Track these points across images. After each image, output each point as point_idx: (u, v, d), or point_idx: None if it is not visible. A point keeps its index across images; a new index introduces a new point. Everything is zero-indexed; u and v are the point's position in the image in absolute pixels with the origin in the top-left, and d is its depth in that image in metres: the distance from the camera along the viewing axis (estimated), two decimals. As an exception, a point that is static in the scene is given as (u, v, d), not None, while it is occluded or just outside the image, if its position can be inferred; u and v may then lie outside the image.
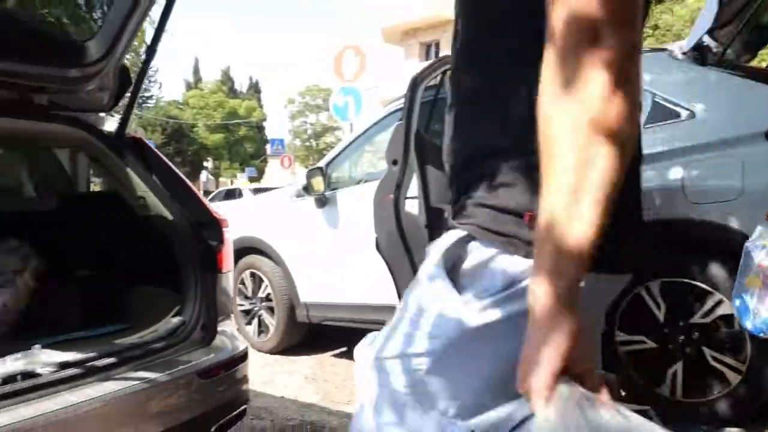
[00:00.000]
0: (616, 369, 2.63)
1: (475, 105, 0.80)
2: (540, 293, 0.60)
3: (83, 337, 1.95)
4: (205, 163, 40.69)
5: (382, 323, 3.61)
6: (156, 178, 2.14)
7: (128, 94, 2.24)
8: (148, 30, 2.26)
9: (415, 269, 2.53)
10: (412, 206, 2.53)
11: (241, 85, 47.03)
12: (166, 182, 2.13)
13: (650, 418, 0.60)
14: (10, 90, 1.95)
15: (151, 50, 2.18)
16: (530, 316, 0.61)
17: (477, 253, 0.74)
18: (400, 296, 2.60)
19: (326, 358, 3.95)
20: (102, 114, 2.37)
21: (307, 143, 43.78)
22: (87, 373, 1.62)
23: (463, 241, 0.76)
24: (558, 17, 0.61)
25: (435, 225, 2.56)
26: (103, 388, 1.60)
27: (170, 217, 2.03)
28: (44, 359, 1.64)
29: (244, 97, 44.63)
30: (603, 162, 0.59)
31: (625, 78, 0.59)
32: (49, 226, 2.50)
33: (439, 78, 2.96)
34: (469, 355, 0.73)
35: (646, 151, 0.82)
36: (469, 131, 0.82)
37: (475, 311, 0.72)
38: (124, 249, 2.36)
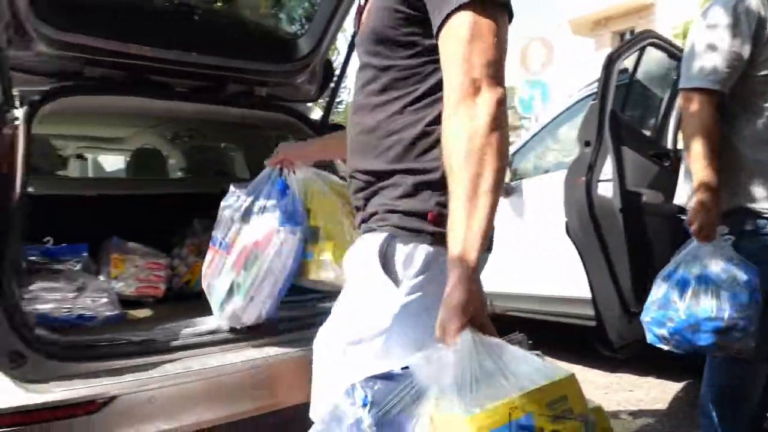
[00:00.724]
0: None
1: (377, 137, 1.05)
2: (454, 268, 0.86)
3: (293, 300, 2.19)
4: (390, 164, 42.56)
5: (571, 316, 3.43)
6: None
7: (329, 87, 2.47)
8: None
9: (607, 256, 2.41)
10: (606, 189, 2.40)
11: (425, 87, 48.29)
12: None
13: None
14: (240, 84, 2.28)
15: (352, 44, 2.37)
16: (448, 284, 0.86)
17: (400, 248, 0.99)
18: (591, 285, 2.48)
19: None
20: (308, 104, 2.64)
21: (489, 142, 43.42)
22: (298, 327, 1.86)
23: (388, 240, 1.00)
24: (450, 77, 0.91)
25: (631, 210, 2.39)
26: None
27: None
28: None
29: (427, 98, 45.80)
30: (490, 175, 0.86)
31: (498, 118, 0.88)
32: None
33: (636, 56, 2.77)
34: (407, 326, 0.98)
35: None
36: (374, 156, 1.06)
37: (405, 293, 0.98)
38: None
